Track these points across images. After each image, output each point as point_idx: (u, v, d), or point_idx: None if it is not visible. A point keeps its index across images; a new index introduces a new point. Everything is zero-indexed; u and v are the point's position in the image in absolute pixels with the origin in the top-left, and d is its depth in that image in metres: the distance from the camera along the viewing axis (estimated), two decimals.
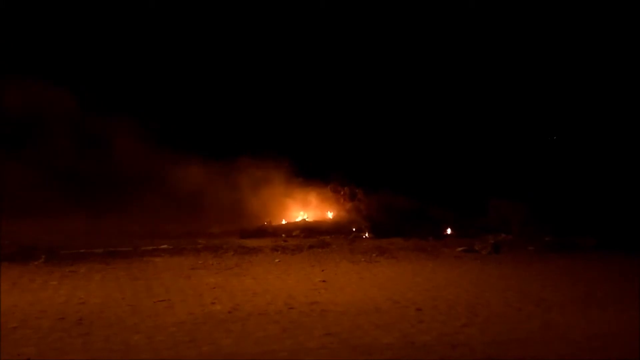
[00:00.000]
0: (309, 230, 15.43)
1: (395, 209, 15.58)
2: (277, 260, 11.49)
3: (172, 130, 17.61)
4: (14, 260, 11.30)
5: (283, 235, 15.08)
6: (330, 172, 17.60)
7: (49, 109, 16.53)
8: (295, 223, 16.51)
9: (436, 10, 19.23)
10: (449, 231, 15.02)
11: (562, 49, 18.72)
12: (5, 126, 16.33)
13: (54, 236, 13.65)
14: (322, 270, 10.43)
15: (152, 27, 18.62)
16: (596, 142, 17.77)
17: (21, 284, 9.31)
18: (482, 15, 19.03)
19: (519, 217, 14.89)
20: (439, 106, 19.41)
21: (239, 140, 17.57)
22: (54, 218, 15.32)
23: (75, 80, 17.35)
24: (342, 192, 17.17)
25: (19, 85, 16.18)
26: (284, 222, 16.78)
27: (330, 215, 16.94)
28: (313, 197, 17.33)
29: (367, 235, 14.87)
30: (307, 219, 16.78)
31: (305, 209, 17.22)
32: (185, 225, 15.62)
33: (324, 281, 9.48)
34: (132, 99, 17.72)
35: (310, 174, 17.64)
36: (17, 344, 6.33)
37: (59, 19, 18.00)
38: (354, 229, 15.37)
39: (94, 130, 16.74)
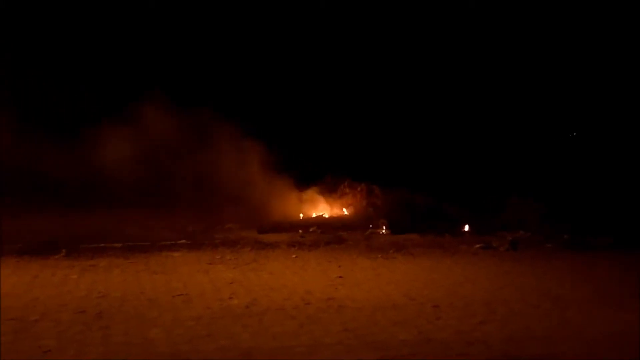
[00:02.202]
0: (325, 226, 15.45)
1: (412, 206, 15.52)
2: (294, 256, 11.53)
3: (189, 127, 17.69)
4: (35, 254, 11.49)
5: (300, 231, 15.11)
6: (347, 168, 17.61)
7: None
8: (312, 219, 16.54)
9: (449, 2, 19.11)
10: (466, 228, 14.93)
11: (580, 43, 18.48)
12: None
13: (74, 230, 13.83)
14: (339, 266, 10.45)
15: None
16: (615, 140, 17.56)
17: (42, 278, 9.45)
18: (497, 7, 18.86)
19: (537, 214, 14.76)
20: (456, 103, 19.31)
21: (256, 135, 17.58)
22: (74, 212, 15.50)
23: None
24: (358, 189, 17.15)
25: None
26: (300, 217, 16.83)
27: (346, 211, 16.95)
28: (329, 194, 17.36)
29: (383, 231, 14.85)
30: (324, 215, 16.82)
31: (322, 206, 17.25)
32: (203, 220, 15.71)
33: (340, 277, 9.50)
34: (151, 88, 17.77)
35: (327, 170, 17.67)
36: (38, 336, 6.44)
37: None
38: (370, 226, 15.36)
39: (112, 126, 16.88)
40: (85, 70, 18.21)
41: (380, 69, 19.63)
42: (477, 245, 12.47)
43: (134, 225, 14.69)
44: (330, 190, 17.43)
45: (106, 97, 17.77)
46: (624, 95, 17.99)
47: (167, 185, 16.64)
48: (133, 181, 16.26)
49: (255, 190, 16.66)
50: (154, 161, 16.57)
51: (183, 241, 13.04)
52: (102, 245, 12.45)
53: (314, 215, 16.94)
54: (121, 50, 18.61)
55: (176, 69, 18.63)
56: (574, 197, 15.56)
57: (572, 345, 6.27)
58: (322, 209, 17.18)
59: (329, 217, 16.67)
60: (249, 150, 17.09)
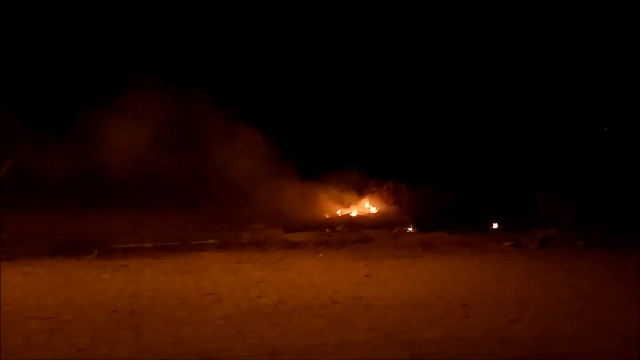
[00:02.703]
0: (352, 225, 15.44)
1: (440, 204, 15.42)
2: (321, 255, 11.56)
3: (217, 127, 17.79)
4: (68, 254, 11.73)
5: (327, 230, 15.13)
6: (374, 167, 17.55)
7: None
8: (339, 218, 16.54)
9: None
10: (495, 226, 14.79)
11: (613, 36, 18.11)
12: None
13: (106, 231, 14.07)
14: (366, 265, 10.43)
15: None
16: None
17: (75, 278, 9.65)
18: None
19: (568, 211, 14.54)
20: (484, 100, 19.10)
21: (284, 136, 17.63)
22: (105, 213, 15.76)
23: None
24: (385, 187, 17.11)
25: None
26: (327, 216, 16.84)
27: (373, 210, 16.91)
28: (356, 192, 17.33)
29: (411, 229, 14.79)
30: (351, 214, 16.81)
31: (349, 204, 17.23)
32: (228, 219, 15.82)
33: (368, 276, 9.49)
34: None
35: (354, 169, 17.63)
36: (72, 335, 6.57)
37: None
38: (397, 224, 15.31)
39: (141, 128, 17.04)
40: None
41: (407, 69, 19.51)
42: (507, 243, 12.34)
43: (162, 225, 14.88)
44: (357, 189, 17.40)
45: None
46: None
47: (186, 183, 16.69)
48: (149, 179, 16.32)
49: (281, 189, 16.72)
50: (167, 159, 16.65)
51: (211, 241, 13.17)
52: (132, 245, 12.64)
53: (340, 214, 16.93)
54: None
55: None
56: (606, 194, 15.28)
57: (603, 343, 6.17)
58: (348, 207, 17.17)
59: (355, 216, 16.65)
60: (272, 151, 17.11)
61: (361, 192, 17.31)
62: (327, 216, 16.79)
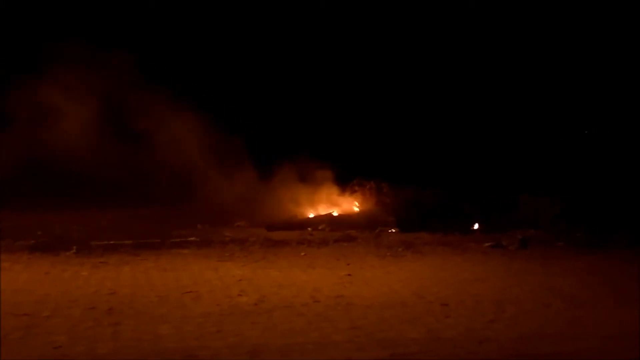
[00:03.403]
0: (334, 224, 15.44)
1: (422, 204, 15.48)
2: (303, 254, 11.54)
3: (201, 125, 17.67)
4: (46, 250, 11.57)
5: (309, 228, 15.11)
6: (357, 166, 17.57)
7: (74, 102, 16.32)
8: (321, 217, 16.53)
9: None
10: (476, 226, 14.87)
11: (594, 40, 18.32)
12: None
13: (85, 227, 13.91)
14: (348, 264, 10.44)
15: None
16: (630, 136, 17.38)
17: (53, 274, 9.52)
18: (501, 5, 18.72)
19: (549, 213, 14.67)
20: (468, 100, 19.22)
21: (268, 136, 17.61)
22: (84, 210, 15.60)
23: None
24: (368, 187, 17.13)
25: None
26: (310, 215, 16.82)
27: (356, 209, 16.93)
28: (338, 192, 17.34)
29: (393, 229, 14.82)
30: (333, 213, 16.80)
31: (331, 203, 17.23)
32: (212, 217, 15.75)
33: (349, 275, 9.49)
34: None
35: (337, 169, 17.64)
36: (50, 332, 6.48)
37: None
38: (379, 223, 15.33)
39: (125, 125, 16.84)
40: None
41: (391, 67, 19.57)
42: (487, 244, 12.41)
43: (143, 223, 14.76)
44: (339, 188, 17.40)
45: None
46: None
47: (172, 183, 16.57)
48: (129, 176, 16.14)
49: (265, 188, 16.68)
50: (163, 158, 16.53)
51: (193, 238, 13.08)
52: (112, 242, 12.50)
53: (322, 213, 16.92)
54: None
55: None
56: (588, 196, 15.44)
57: (583, 344, 6.23)
58: (331, 206, 17.17)
59: (338, 215, 16.65)
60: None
61: (344, 191, 17.32)
62: (310, 215, 16.78)
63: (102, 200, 16.22)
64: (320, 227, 15.21)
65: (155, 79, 16.29)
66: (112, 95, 15.96)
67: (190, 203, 16.41)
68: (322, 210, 17.07)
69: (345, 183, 17.40)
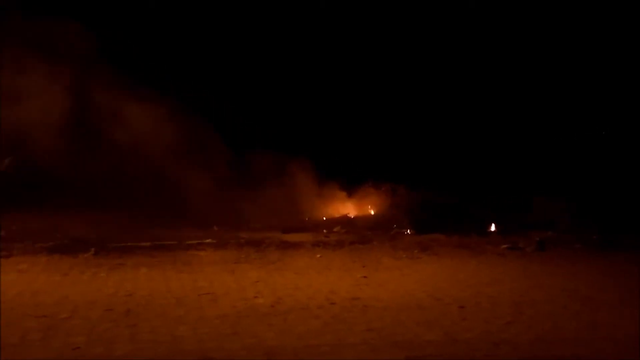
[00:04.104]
0: (350, 226, 15.46)
1: (437, 206, 15.44)
2: (318, 256, 11.55)
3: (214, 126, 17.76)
4: (64, 252, 11.71)
5: (324, 230, 15.14)
6: (372, 168, 17.56)
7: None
8: (337, 219, 16.55)
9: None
10: (492, 228, 14.80)
11: (610, 40, 18.12)
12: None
13: (103, 229, 14.04)
14: (364, 266, 10.43)
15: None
16: None
17: (72, 276, 9.63)
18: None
19: (565, 214, 14.56)
20: (484, 102, 19.11)
21: (281, 136, 17.65)
22: (102, 211, 15.73)
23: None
24: (382, 189, 17.11)
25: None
26: (324, 218, 16.84)
27: (371, 211, 16.92)
28: (355, 194, 17.34)
29: (408, 231, 14.79)
30: (349, 215, 16.81)
31: (347, 206, 17.24)
32: (228, 219, 15.81)
33: (365, 277, 9.49)
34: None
35: (352, 170, 17.64)
36: (68, 333, 6.55)
37: None
38: (395, 225, 15.31)
39: (138, 126, 16.95)
40: None
41: (405, 70, 19.51)
42: (504, 246, 12.34)
43: (160, 224, 14.86)
44: (355, 190, 17.41)
45: None
46: None
47: (188, 186, 16.64)
48: (159, 180, 16.31)
49: (280, 190, 16.72)
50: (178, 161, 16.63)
51: (209, 240, 13.15)
52: (129, 244, 12.62)
53: (338, 215, 16.93)
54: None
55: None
56: (605, 197, 15.29)
57: (600, 346, 6.17)
58: (346, 209, 17.17)
59: (353, 217, 16.66)
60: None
61: (359, 193, 17.32)
62: (325, 218, 16.79)
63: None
64: (335, 229, 15.22)
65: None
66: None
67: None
68: (338, 212, 17.08)
69: (360, 185, 17.42)
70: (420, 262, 10.93)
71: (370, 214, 16.77)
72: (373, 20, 19.31)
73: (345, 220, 16.25)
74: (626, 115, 17.84)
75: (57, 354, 5.93)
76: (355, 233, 14.53)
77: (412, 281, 9.18)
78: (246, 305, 7.74)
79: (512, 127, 18.51)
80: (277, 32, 19.08)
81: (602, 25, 18.11)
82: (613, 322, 6.99)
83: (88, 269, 10.22)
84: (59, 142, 15.35)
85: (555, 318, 7.16)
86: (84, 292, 8.43)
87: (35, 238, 12.76)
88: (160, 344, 6.22)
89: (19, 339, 6.31)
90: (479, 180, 16.69)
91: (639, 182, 15.69)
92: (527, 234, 13.56)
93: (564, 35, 18.53)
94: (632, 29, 17.63)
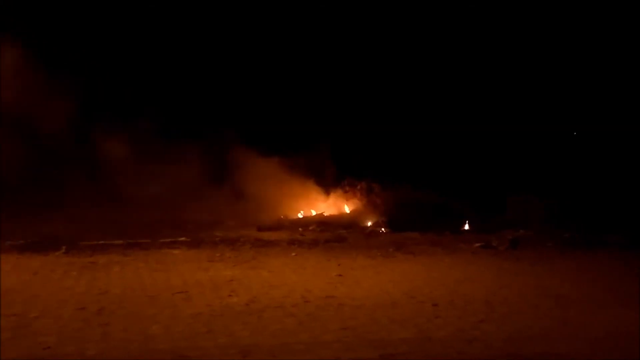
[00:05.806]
0: (325, 225, 15.46)
1: (412, 204, 15.54)
2: (293, 254, 11.53)
3: (187, 123, 17.64)
4: (35, 250, 11.50)
5: (300, 229, 15.12)
6: (348, 166, 17.59)
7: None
8: (312, 217, 16.55)
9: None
10: (466, 226, 14.95)
11: (584, 39, 18.39)
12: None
13: (74, 227, 13.83)
14: (339, 265, 10.44)
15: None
16: (621, 137, 17.48)
17: (42, 274, 9.46)
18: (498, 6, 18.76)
19: (539, 213, 14.76)
20: (458, 100, 19.27)
21: (256, 133, 17.57)
22: (73, 209, 15.49)
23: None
24: (358, 187, 17.16)
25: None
26: (300, 216, 16.83)
27: (347, 209, 16.95)
28: (329, 191, 17.36)
29: (383, 229, 14.86)
30: (324, 214, 16.81)
31: (322, 204, 17.24)
32: (202, 217, 15.70)
33: (340, 275, 9.50)
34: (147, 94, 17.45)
35: (328, 168, 17.65)
36: (38, 333, 6.44)
37: None
38: (370, 224, 15.36)
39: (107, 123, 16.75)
40: None
41: (382, 65, 19.57)
42: (477, 244, 12.47)
43: (134, 222, 14.69)
44: (331, 189, 17.42)
45: None
46: (630, 92, 17.90)
47: (161, 182, 16.49)
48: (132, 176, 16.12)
49: (255, 188, 16.66)
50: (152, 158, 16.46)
51: (183, 238, 13.03)
52: (101, 242, 12.44)
53: (313, 213, 16.93)
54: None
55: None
56: (577, 196, 15.54)
57: (572, 344, 6.27)
58: (322, 207, 17.17)
59: (328, 216, 16.67)
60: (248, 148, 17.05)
61: (335, 191, 17.34)
62: (300, 215, 16.79)
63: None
64: (310, 228, 15.22)
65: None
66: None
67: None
68: (313, 210, 17.09)
69: (336, 183, 17.44)
70: (394, 260, 10.99)
71: (346, 213, 16.80)
72: (357, 16, 19.33)
73: (321, 219, 16.26)
74: (601, 114, 18.10)
75: (27, 353, 5.83)
76: (331, 231, 14.53)
77: (387, 279, 9.22)
78: (221, 303, 7.70)
79: (488, 126, 18.67)
80: (255, 25, 19.02)
81: (577, 28, 18.39)
82: (584, 320, 7.11)
83: (59, 267, 10.04)
84: None
85: (527, 316, 7.27)
86: (55, 291, 8.30)
87: (4, 237, 12.50)
88: (133, 343, 6.15)
89: None
90: (455, 179, 16.81)
91: (612, 181, 15.98)
92: (500, 232, 13.71)
93: (543, 35, 18.74)
94: (607, 27, 17.94)
